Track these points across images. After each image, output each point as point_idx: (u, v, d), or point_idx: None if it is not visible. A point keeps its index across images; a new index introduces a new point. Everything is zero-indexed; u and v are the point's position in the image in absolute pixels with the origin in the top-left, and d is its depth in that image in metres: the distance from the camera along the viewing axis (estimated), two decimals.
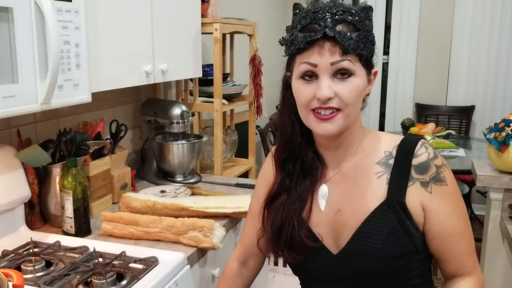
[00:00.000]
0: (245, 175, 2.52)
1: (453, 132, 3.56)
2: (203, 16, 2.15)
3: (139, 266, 1.26)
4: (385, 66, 4.19)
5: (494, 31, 3.84)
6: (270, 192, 1.06)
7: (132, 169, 1.93)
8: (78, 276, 1.19)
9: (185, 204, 1.60)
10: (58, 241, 1.38)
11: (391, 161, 0.99)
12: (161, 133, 2.12)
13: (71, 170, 1.46)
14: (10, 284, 0.97)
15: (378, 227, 0.95)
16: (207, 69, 2.28)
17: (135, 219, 1.48)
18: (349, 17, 0.90)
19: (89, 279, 1.17)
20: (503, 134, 1.79)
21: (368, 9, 0.94)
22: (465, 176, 3.33)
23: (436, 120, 4.03)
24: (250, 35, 2.46)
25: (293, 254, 1.02)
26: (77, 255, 1.30)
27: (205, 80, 2.28)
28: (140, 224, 1.47)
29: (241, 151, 2.66)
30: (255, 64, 2.42)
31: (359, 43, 0.89)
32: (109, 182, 1.75)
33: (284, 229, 1.01)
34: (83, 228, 1.49)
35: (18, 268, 1.21)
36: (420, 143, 0.99)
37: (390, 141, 1.02)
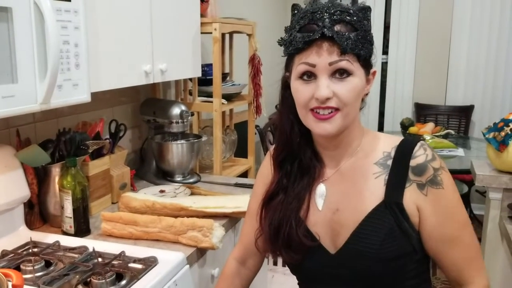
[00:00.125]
0: (244, 175, 2.52)
1: (452, 131, 3.56)
2: (202, 15, 2.15)
3: (138, 266, 1.26)
4: (384, 65, 4.19)
5: (493, 30, 3.85)
6: (268, 191, 1.06)
7: (131, 169, 1.93)
8: (77, 276, 1.19)
9: (185, 204, 1.60)
10: (57, 241, 1.38)
11: (389, 162, 0.99)
12: (160, 133, 2.12)
13: (70, 170, 1.46)
14: (10, 284, 0.98)
15: (376, 228, 0.95)
16: (206, 68, 2.28)
17: (135, 219, 1.48)
18: (347, 17, 0.90)
19: (88, 279, 1.17)
20: (502, 133, 1.79)
21: (366, 9, 0.94)
22: (464, 176, 3.33)
23: (435, 119, 4.03)
24: (249, 35, 2.46)
25: (290, 253, 1.01)
26: (76, 255, 1.30)
27: (204, 80, 2.28)
28: (140, 224, 1.47)
29: (240, 151, 2.66)
30: (254, 63, 2.42)
31: (357, 43, 0.90)
32: (108, 182, 1.76)
33: (282, 229, 1.01)
34: (82, 228, 1.49)
35: (17, 268, 1.21)
36: (419, 144, 0.99)
37: (389, 142, 1.02)
